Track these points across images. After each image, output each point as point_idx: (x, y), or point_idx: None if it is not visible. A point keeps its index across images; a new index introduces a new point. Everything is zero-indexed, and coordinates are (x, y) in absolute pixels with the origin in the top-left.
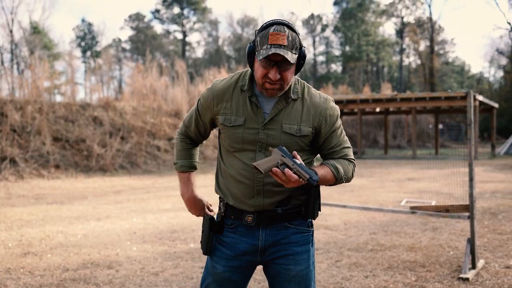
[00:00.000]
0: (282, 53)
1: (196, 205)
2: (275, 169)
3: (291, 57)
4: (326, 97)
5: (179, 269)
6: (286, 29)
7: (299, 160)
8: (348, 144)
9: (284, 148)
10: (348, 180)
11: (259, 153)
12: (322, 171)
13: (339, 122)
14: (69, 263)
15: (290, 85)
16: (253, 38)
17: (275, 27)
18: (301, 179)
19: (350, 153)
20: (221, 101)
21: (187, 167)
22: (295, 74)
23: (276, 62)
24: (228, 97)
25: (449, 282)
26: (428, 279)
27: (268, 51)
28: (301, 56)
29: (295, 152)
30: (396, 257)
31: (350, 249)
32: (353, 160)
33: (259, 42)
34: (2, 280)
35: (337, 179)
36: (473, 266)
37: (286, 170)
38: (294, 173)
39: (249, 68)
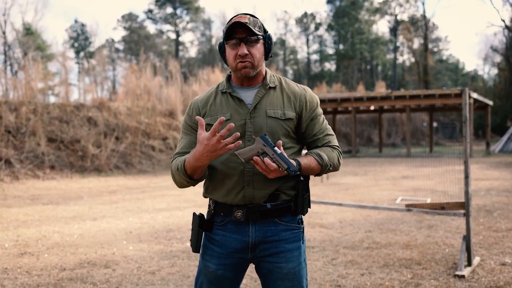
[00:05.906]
0: (243, 21)
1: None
2: (255, 157)
3: (254, 29)
4: (304, 87)
5: (176, 268)
6: (247, 15)
7: (280, 150)
8: (332, 132)
9: (266, 137)
10: (334, 167)
11: (248, 142)
12: (305, 160)
13: (320, 110)
14: (66, 262)
15: (266, 75)
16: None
17: (237, 15)
18: (280, 169)
19: (334, 140)
20: (204, 107)
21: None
22: (266, 59)
23: (241, 39)
24: (212, 102)
25: (445, 279)
26: (424, 276)
27: (231, 25)
28: (267, 38)
29: (279, 142)
30: (392, 255)
31: (346, 247)
32: (337, 147)
33: (225, 31)
34: (0, 280)
35: (322, 166)
36: (469, 264)
37: (266, 159)
38: (273, 162)
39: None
